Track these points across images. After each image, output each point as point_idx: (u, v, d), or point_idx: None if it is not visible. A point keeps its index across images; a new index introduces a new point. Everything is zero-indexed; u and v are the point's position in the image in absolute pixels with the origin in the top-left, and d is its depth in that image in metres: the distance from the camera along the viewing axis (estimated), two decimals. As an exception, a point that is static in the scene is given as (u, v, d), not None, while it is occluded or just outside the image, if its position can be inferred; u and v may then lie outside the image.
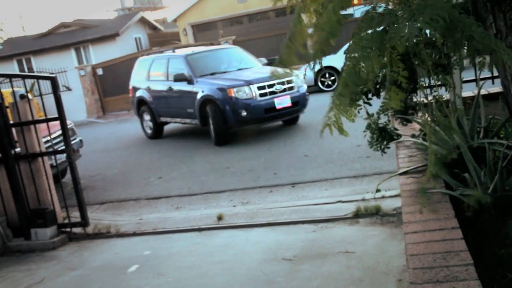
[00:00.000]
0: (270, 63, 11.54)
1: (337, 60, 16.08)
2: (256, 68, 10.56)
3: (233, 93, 9.15)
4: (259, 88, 9.25)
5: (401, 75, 2.27)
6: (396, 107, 2.06)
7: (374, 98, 4.47)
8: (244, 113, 9.08)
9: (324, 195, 5.64)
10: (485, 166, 2.92)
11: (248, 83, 9.27)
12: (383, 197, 5.12)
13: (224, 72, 10.27)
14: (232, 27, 22.76)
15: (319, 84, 15.74)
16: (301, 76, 9.06)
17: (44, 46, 23.47)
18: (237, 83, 9.34)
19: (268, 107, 9.22)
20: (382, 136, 4.27)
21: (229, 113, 9.16)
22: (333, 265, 3.69)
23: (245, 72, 10.11)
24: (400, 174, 3.45)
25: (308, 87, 16.14)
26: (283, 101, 9.35)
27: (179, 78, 10.03)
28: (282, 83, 9.43)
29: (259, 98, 9.16)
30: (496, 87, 4.88)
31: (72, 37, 23.60)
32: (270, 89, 9.31)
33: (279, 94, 9.33)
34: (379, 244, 3.98)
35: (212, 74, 10.15)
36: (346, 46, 12.47)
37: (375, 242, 4.04)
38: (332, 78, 15.62)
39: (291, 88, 9.59)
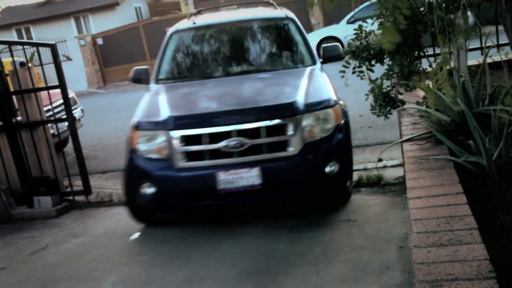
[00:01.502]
0: None
1: (339, 30, 15.91)
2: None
3: (137, 142, 4.05)
4: (188, 139, 3.89)
5: (401, 13, 2.16)
6: (387, 48, 1.99)
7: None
8: (146, 190, 3.95)
9: (326, 165, 5.62)
10: (489, 133, 2.90)
11: (165, 124, 3.96)
12: (385, 166, 5.13)
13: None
14: (234, -4, 22.44)
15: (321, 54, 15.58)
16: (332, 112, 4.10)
17: (43, 15, 23.19)
18: (152, 120, 4.11)
19: (196, 189, 3.91)
20: (385, 102, 4.24)
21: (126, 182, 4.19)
22: (335, 232, 3.71)
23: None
24: (404, 141, 3.43)
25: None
26: (239, 179, 3.81)
27: None
28: (249, 134, 3.85)
29: (182, 164, 3.88)
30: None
31: (71, 6, 23.30)
32: (214, 145, 3.83)
33: (233, 160, 3.84)
34: (381, 212, 3.99)
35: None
36: (349, 16, 12.01)
37: (377, 210, 4.06)
38: None
39: (277, 147, 3.88)
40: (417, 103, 3.95)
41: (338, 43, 5.15)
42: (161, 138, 3.91)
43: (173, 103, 4.32)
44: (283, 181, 3.81)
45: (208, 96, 4.56)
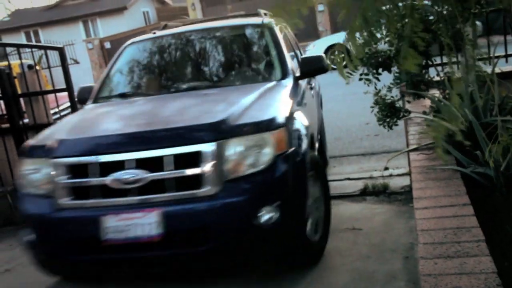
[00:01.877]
0: None
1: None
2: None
3: (21, 172, 3.23)
4: (73, 169, 2.96)
5: (419, 36, 2.19)
6: (411, 70, 1.97)
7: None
8: (27, 237, 3.13)
9: (332, 172, 5.61)
10: (497, 143, 2.88)
11: (50, 150, 3.07)
12: (391, 175, 5.10)
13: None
14: (241, 2, 22.53)
15: (328, 61, 15.58)
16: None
17: (51, 18, 23.36)
18: (38, 145, 3.27)
19: (77, 237, 2.97)
20: (391, 112, 4.23)
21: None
22: (340, 241, 3.69)
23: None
24: (411, 150, 3.42)
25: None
26: (132, 226, 2.79)
27: None
28: (150, 165, 2.83)
29: (65, 203, 2.96)
30: (510, 66, 4.81)
31: (80, 10, 23.46)
32: (102, 179, 2.87)
33: (126, 200, 2.86)
34: (386, 221, 3.97)
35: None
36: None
37: (382, 219, 4.03)
38: (341, 56, 15.45)
39: (187, 184, 2.83)
40: (424, 112, 3.94)
41: (322, 55, 4.11)
42: (45, 168, 3.00)
43: (77, 125, 3.43)
44: (193, 232, 2.76)
45: (125, 116, 3.58)
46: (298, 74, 4.03)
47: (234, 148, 2.81)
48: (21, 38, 23.26)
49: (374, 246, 3.51)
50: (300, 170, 3.02)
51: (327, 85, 11.53)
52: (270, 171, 2.81)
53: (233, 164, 2.79)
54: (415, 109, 4.12)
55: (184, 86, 4.06)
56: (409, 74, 4.09)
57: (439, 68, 4.53)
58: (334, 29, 17.91)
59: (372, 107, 4.34)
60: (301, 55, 5.69)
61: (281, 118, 3.00)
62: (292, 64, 4.12)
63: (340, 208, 4.47)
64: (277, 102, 3.31)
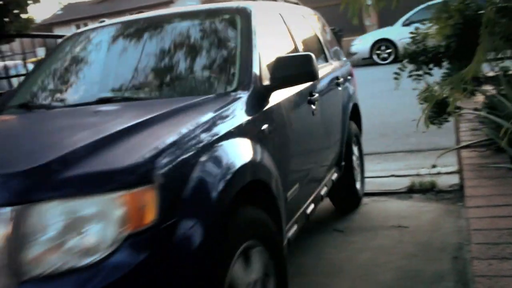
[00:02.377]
0: (340, 35, 7.62)
1: (394, 32, 15.59)
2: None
3: None
4: None
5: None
6: (439, 39, 1.88)
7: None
8: None
9: (377, 169, 5.52)
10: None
11: None
12: (438, 173, 4.97)
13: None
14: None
15: (374, 56, 15.33)
16: None
17: (101, 12, 23.91)
18: None
19: None
20: (441, 109, 4.11)
21: None
22: (385, 238, 3.62)
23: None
24: (461, 147, 3.30)
25: (363, 59, 15.84)
26: None
27: None
28: None
29: None
30: None
31: (128, 4, 23.93)
32: None
33: None
34: (434, 220, 3.87)
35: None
36: (404, 18, 11.59)
37: (430, 218, 3.93)
38: (388, 50, 15.16)
39: None
40: (476, 109, 3.80)
41: (309, 54, 2.78)
42: None
43: None
44: None
45: None
46: (267, 82, 2.69)
47: (45, 219, 1.53)
48: (71, 31, 23.97)
49: (421, 245, 3.42)
50: (190, 264, 1.68)
51: (370, 82, 11.39)
52: (108, 269, 1.52)
53: (40, 249, 1.53)
54: (467, 106, 3.98)
55: (91, 98, 2.84)
56: (461, 69, 3.96)
57: (493, 63, 4.36)
58: (382, 24, 17.56)
59: (421, 103, 4.22)
60: (337, 54, 4.87)
61: (151, 166, 1.68)
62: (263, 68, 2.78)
63: (386, 205, 4.39)
64: (175, 135, 1.90)
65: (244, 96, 2.49)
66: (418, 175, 5.02)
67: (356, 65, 16.26)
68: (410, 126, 6.91)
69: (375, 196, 4.64)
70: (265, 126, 2.47)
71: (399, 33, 14.25)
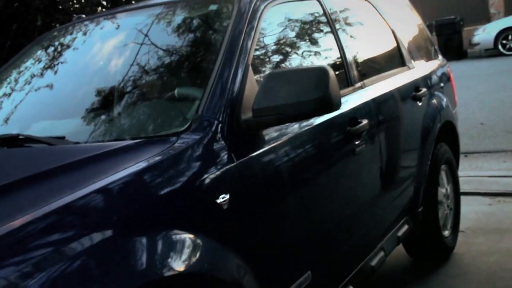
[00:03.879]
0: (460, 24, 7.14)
1: (522, 20, 14.44)
2: None
3: None
4: None
5: None
6: None
7: None
8: None
9: (502, 167, 5.17)
10: None
11: None
12: None
13: None
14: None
15: (500, 47, 14.31)
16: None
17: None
18: None
19: None
20: None
21: None
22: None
23: None
24: None
25: (486, 50, 14.85)
26: None
27: None
28: None
29: None
30: None
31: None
32: None
33: None
34: None
35: None
36: None
37: None
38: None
39: None
40: None
41: (324, 67, 1.69)
42: None
43: None
44: None
45: None
46: (246, 117, 1.70)
47: None
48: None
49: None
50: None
51: (497, 73, 10.66)
52: None
53: None
54: None
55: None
56: None
57: None
58: (509, 11, 16.31)
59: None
60: (427, 53, 3.60)
61: None
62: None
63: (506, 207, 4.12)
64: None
65: (192, 143, 1.56)
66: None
67: (478, 56, 15.31)
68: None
69: (500, 197, 4.35)
70: (224, 198, 1.53)
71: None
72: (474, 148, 5.97)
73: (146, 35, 2.15)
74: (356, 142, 2.22)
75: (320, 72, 1.66)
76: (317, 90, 1.62)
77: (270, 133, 1.77)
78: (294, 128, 1.89)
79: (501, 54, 14.02)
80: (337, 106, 1.72)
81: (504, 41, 14.22)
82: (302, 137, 1.93)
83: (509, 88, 8.52)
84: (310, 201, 1.96)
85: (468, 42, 15.00)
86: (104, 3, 6.77)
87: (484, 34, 14.58)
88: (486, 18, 16.62)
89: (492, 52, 14.39)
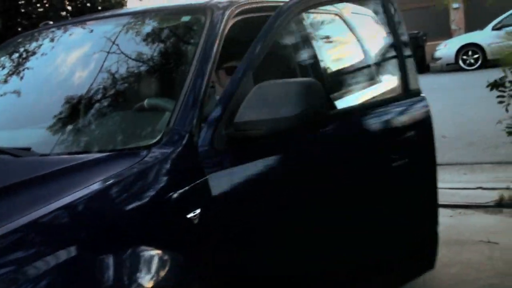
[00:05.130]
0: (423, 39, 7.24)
1: (482, 36, 14.87)
2: None
3: None
4: None
5: None
6: None
7: None
8: None
9: (463, 180, 5.32)
10: None
11: None
12: (531, 187, 4.72)
13: None
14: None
15: (460, 62, 14.73)
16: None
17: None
18: None
19: None
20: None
21: None
22: (473, 254, 3.48)
23: None
24: None
25: (447, 65, 15.24)
26: None
27: None
28: None
29: None
30: None
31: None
32: None
33: None
34: (527, 237, 3.67)
35: None
36: (495, 22, 10.96)
37: (522, 234, 3.74)
38: (475, 56, 14.53)
39: None
40: None
41: (313, 81, 1.75)
42: None
43: None
44: None
45: None
46: (228, 130, 1.66)
47: None
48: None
49: (513, 263, 3.26)
50: None
51: (457, 88, 10.96)
52: None
53: None
54: None
55: None
56: None
57: None
58: (469, 28, 16.84)
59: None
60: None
61: None
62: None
63: (472, 219, 4.23)
64: None
65: (163, 157, 1.52)
66: (508, 188, 4.79)
67: (440, 70, 15.71)
68: (499, 135, 6.60)
69: (460, 209, 4.47)
70: (194, 213, 1.49)
71: (488, 38, 13.62)
72: (437, 160, 6.11)
73: (116, 45, 2.12)
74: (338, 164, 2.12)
75: (304, 86, 1.60)
76: (296, 106, 1.57)
77: (252, 148, 1.71)
78: (275, 144, 1.79)
79: (462, 69, 14.44)
80: (319, 124, 1.69)
81: (464, 57, 14.67)
82: (281, 155, 1.83)
83: (470, 103, 8.76)
84: (285, 223, 1.85)
85: (430, 57, 15.39)
86: (69, 8, 6.67)
87: (446, 49, 14.99)
88: (448, 34, 17.11)
89: (453, 67, 14.80)
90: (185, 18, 2.09)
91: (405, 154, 2.40)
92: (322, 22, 2.57)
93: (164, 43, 2.10)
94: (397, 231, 2.41)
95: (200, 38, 1.87)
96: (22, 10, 6.21)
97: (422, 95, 2.68)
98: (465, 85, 11.11)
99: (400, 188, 2.42)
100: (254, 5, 2.17)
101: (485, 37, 13.98)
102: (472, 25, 16.39)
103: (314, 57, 2.30)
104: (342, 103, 2.32)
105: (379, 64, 2.96)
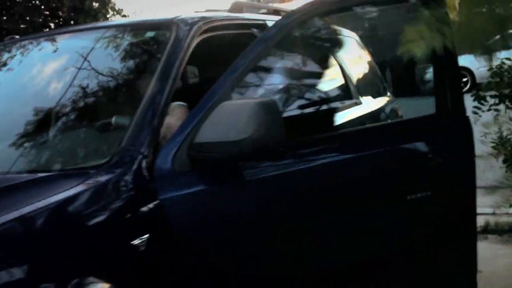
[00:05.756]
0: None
1: (472, 60, 14.93)
2: None
3: None
4: None
5: None
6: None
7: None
8: None
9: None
10: None
11: None
12: (517, 213, 4.64)
13: None
14: None
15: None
16: None
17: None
18: None
19: None
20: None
21: None
22: (456, 282, 3.37)
23: None
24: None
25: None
26: None
27: None
28: None
29: None
30: None
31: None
32: None
33: None
34: (511, 266, 3.58)
35: None
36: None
37: (506, 263, 3.65)
38: (464, 79, 14.56)
39: None
40: None
41: (271, 100, 1.60)
42: None
43: None
44: None
45: None
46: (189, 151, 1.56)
47: None
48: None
49: (496, 293, 3.16)
50: None
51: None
52: None
53: None
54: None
55: None
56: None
57: None
58: (458, 51, 16.93)
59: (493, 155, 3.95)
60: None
61: None
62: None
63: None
64: None
65: (110, 178, 1.42)
66: (494, 214, 4.71)
67: (430, 93, 15.71)
68: (486, 159, 6.54)
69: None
70: (141, 239, 1.37)
71: (477, 62, 13.65)
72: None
73: (79, 60, 2.03)
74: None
75: (259, 107, 1.43)
76: (247, 128, 1.41)
77: (214, 171, 1.57)
78: (236, 170, 1.64)
79: (451, 92, 14.46)
80: (272, 152, 1.48)
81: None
82: (240, 183, 1.67)
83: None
84: (238, 254, 1.66)
85: (420, 79, 15.40)
86: (52, 25, 6.59)
87: (429, 74, 15.00)
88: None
89: (443, 90, 14.85)
90: (150, 34, 2.02)
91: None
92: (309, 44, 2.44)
93: (128, 59, 2.00)
94: None
95: (163, 53, 1.78)
96: (4, 26, 6.13)
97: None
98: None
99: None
100: (225, 22, 2.09)
101: (475, 60, 14.01)
102: (462, 48, 16.50)
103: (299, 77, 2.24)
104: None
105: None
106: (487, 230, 4.33)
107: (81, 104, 1.87)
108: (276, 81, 2.15)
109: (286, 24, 1.86)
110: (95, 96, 1.89)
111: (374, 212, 1.90)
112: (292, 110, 2.10)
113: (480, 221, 4.47)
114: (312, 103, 2.36)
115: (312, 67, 2.61)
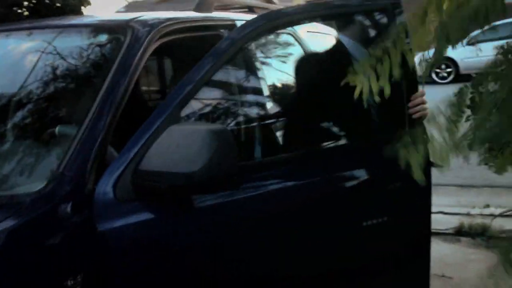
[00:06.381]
0: None
1: (456, 50, 14.86)
2: None
3: None
4: None
5: None
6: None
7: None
8: None
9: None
10: None
11: None
12: (491, 215, 4.60)
13: None
14: None
15: (433, 75, 14.76)
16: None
17: (163, 10, 24.32)
18: None
19: None
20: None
21: None
22: (426, 289, 3.32)
23: None
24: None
25: (419, 76, 15.17)
26: None
27: None
28: None
29: None
30: None
31: (189, 4, 24.20)
32: None
33: None
34: (482, 273, 3.53)
35: None
36: (468, 37, 10.84)
37: (478, 269, 3.59)
38: (449, 70, 14.56)
39: None
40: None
41: (223, 128, 1.44)
42: None
43: None
44: None
45: None
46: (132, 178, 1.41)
47: None
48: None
49: (466, 302, 3.12)
50: None
51: (431, 101, 10.93)
52: None
53: None
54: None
55: None
56: None
57: None
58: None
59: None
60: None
61: None
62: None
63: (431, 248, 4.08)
64: None
65: (42, 208, 1.28)
66: (468, 214, 4.68)
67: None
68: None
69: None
70: (74, 280, 1.24)
71: (462, 52, 13.62)
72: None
73: (26, 61, 1.85)
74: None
75: (210, 135, 1.28)
76: (198, 160, 1.27)
77: (160, 201, 1.42)
78: (183, 201, 1.49)
79: (435, 82, 14.44)
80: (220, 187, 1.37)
81: (437, 70, 14.68)
82: (187, 216, 1.52)
83: (439, 119, 8.71)
84: None
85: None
86: (25, 3, 6.30)
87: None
88: (423, 46, 17.17)
89: (426, 79, 14.84)
90: (102, 37, 1.83)
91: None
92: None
93: (76, 62, 1.79)
94: None
95: (114, 61, 1.59)
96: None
97: None
98: (435, 98, 11.09)
99: None
100: (187, 25, 1.93)
101: (459, 51, 13.98)
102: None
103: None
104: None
105: None
106: (461, 232, 4.28)
107: (28, 113, 1.69)
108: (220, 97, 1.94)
109: (239, 38, 1.72)
110: (37, 103, 1.71)
111: (326, 240, 1.83)
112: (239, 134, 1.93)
113: (454, 221, 4.44)
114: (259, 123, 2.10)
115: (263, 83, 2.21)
